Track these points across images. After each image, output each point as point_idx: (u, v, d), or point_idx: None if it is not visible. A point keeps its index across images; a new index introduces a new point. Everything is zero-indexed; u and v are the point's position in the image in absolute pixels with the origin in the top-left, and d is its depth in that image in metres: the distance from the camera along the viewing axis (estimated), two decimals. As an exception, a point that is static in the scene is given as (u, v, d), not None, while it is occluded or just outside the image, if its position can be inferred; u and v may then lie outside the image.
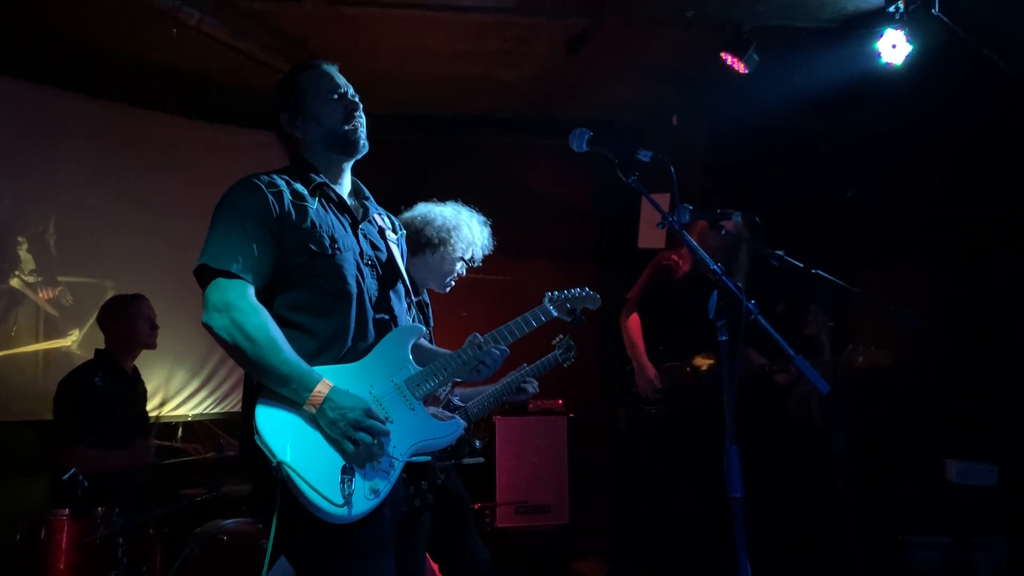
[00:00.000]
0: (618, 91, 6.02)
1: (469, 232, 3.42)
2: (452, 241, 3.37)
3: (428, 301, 3.52)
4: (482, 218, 3.51)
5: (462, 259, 3.42)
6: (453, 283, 3.46)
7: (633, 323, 4.69)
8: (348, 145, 2.45)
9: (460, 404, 3.41)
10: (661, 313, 4.65)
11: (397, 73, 5.55)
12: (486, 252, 3.50)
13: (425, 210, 3.46)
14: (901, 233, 4.76)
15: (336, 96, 2.45)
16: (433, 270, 3.40)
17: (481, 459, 3.38)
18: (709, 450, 4.53)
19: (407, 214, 3.47)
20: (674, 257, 4.75)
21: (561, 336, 3.81)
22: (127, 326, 4.33)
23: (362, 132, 2.46)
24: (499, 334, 2.63)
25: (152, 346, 4.46)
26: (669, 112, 6.22)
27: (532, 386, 3.72)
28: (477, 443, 3.35)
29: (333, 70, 2.53)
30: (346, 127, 2.44)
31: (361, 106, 2.49)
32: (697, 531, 4.67)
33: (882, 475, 4.35)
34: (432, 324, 3.50)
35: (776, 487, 4.36)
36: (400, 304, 2.53)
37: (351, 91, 2.50)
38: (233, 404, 5.85)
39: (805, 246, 3.32)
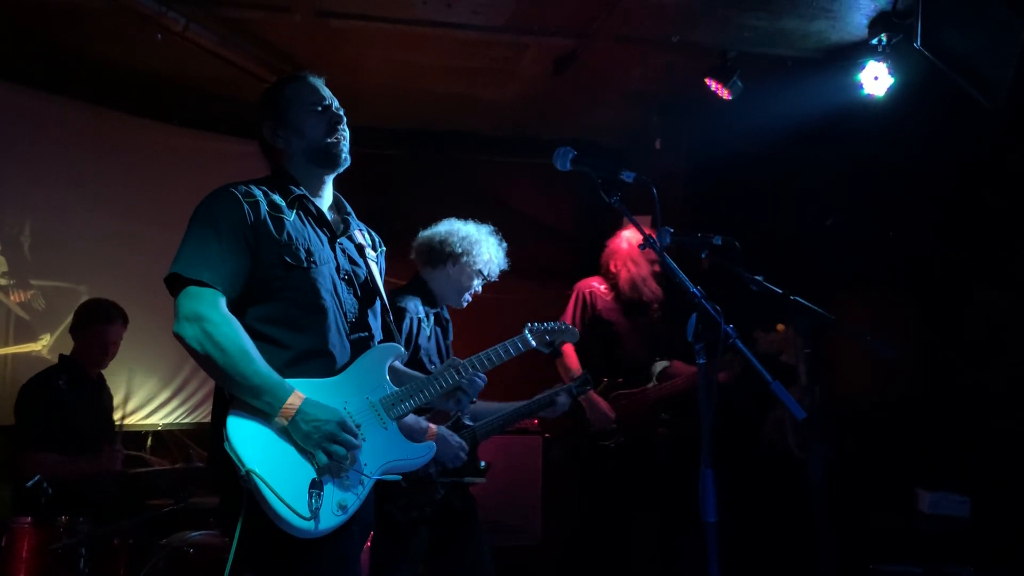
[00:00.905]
0: (602, 113, 6.06)
1: (487, 248, 3.53)
2: (475, 253, 3.47)
3: (448, 317, 3.62)
4: (498, 238, 3.62)
5: (480, 273, 3.51)
6: (469, 298, 3.56)
7: (570, 356, 4.56)
8: (329, 158, 2.42)
9: (469, 424, 3.43)
10: (595, 343, 4.59)
11: (382, 88, 5.55)
12: (502, 269, 3.60)
13: (448, 224, 3.57)
14: (877, 263, 4.79)
15: (320, 108, 2.43)
16: (452, 282, 3.50)
17: (483, 479, 3.41)
18: (672, 476, 4.58)
19: (431, 229, 3.58)
20: (595, 284, 4.74)
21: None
22: (84, 342, 4.29)
23: (344, 146, 2.44)
24: (477, 361, 2.62)
25: (99, 367, 4.39)
26: (651, 135, 6.26)
27: (565, 403, 3.72)
28: (482, 464, 3.38)
29: (319, 82, 2.50)
30: (328, 140, 2.41)
31: (345, 120, 2.46)
32: (663, 558, 4.67)
33: (855, 504, 4.36)
34: (451, 339, 3.60)
35: (747, 513, 4.36)
36: (376, 322, 2.50)
37: (336, 104, 2.47)
38: (204, 415, 5.78)
39: (782, 273, 3.34)
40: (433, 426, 3.17)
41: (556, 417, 3.76)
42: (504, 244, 3.63)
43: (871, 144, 4.72)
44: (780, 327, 4.28)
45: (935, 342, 4.52)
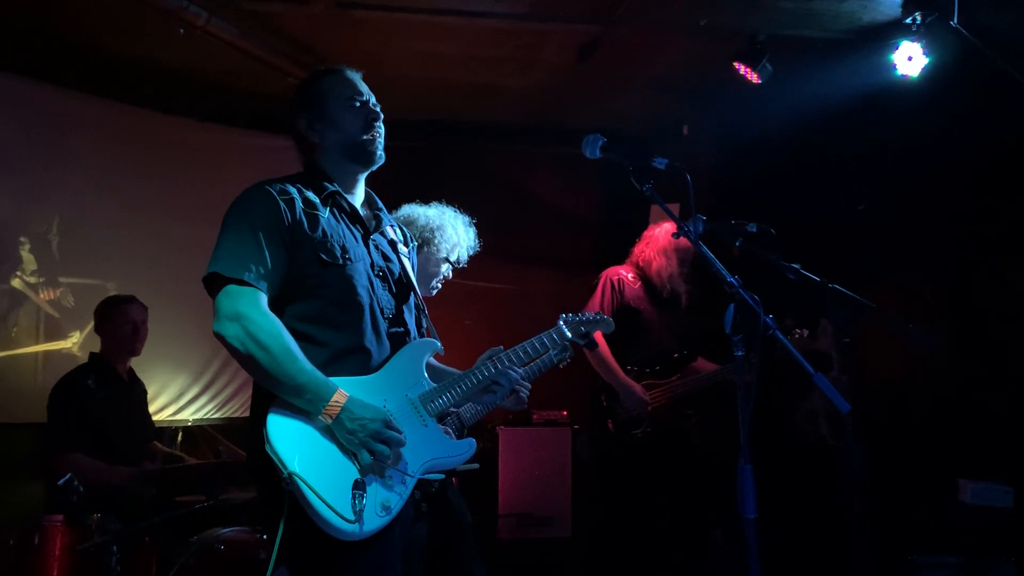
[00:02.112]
0: (627, 100, 5.98)
1: (454, 232, 3.35)
2: (436, 241, 3.29)
3: (423, 305, 3.45)
4: (466, 218, 3.44)
5: (447, 260, 3.34)
6: (439, 286, 3.38)
7: (601, 344, 4.39)
8: (365, 155, 2.40)
9: (453, 409, 3.32)
10: (622, 330, 4.53)
11: (404, 78, 5.50)
12: (471, 252, 3.42)
13: (408, 211, 3.38)
14: (914, 249, 4.69)
15: (358, 104, 2.40)
16: (419, 272, 3.27)
17: (476, 465, 3.28)
18: (697, 470, 4.50)
19: (391, 215, 3.40)
20: (622, 271, 4.64)
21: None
22: (110, 330, 4.28)
23: (380, 143, 2.41)
24: (513, 354, 2.56)
25: (134, 352, 4.35)
26: (679, 122, 6.18)
27: (525, 390, 3.55)
28: None
29: (356, 77, 2.47)
30: (364, 136, 2.38)
31: (382, 116, 2.43)
32: (689, 551, 4.61)
33: (895, 494, 4.28)
34: (427, 324, 3.43)
35: (779, 505, 4.29)
36: (412, 318, 2.48)
37: (373, 100, 2.44)
38: (234, 410, 5.80)
39: (813, 260, 3.27)
40: None
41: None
42: (473, 224, 3.45)
43: (905, 127, 4.60)
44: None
45: (975, 329, 4.42)
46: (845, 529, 3.84)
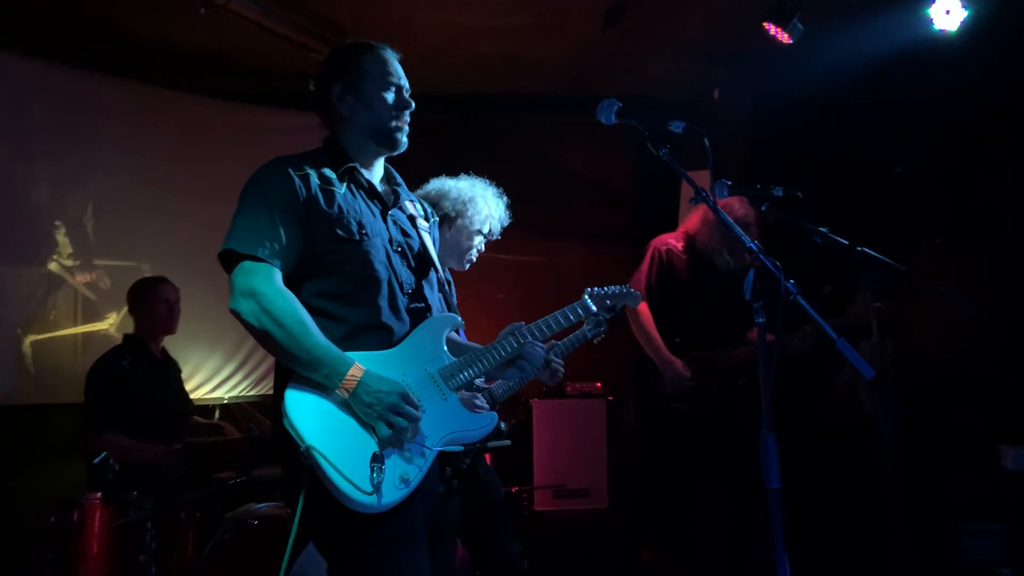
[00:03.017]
0: (657, 66, 5.86)
1: (485, 204, 3.30)
2: (469, 214, 3.26)
3: (450, 279, 3.41)
4: (497, 190, 3.40)
5: (480, 232, 3.31)
6: (473, 259, 3.35)
7: (645, 315, 4.32)
8: (390, 141, 2.39)
9: (484, 385, 3.29)
10: (670, 302, 4.35)
11: (430, 52, 5.46)
12: (503, 224, 3.39)
13: (439, 184, 3.35)
14: (954, 210, 4.57)
15: (393, 88, 2.39)
16: (451, 246, 3.29)
17: (507, 442, 3.24)
18: (744, 443, 4.41)
19: (420, 190, 3.36)
20: (671, 241, 4.47)
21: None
22: (145, 311, 4.32)
23: (406, 130, 2.40)
24: (536, 328, 2.52)
25: (170, 331, 4.40)
26: (711, 87, 6.05)
27: (559, 365, 3.50)
28: (503, 425, 3.23)
29: (394, 58, 2.45)
30: (393, 123, 2.37)
31: (412, 105, 2.41)
32: (733, 527, 4.53)
33: (933, 462, 4.19)
34: (456, 302, 3.40)
35: (818, 475, 4.22)
36: (432, 293, 2.46)
37: (407, 85, 2.42)
38: (269, 387, 5.85)
39: (852, 224, 3.18)
40: None
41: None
42: (503, 195, 3.41)
43: (944, 83, 4.47)
44: None
45: (1019, 292, 4.29)
46: (879, 497, 3.77)
